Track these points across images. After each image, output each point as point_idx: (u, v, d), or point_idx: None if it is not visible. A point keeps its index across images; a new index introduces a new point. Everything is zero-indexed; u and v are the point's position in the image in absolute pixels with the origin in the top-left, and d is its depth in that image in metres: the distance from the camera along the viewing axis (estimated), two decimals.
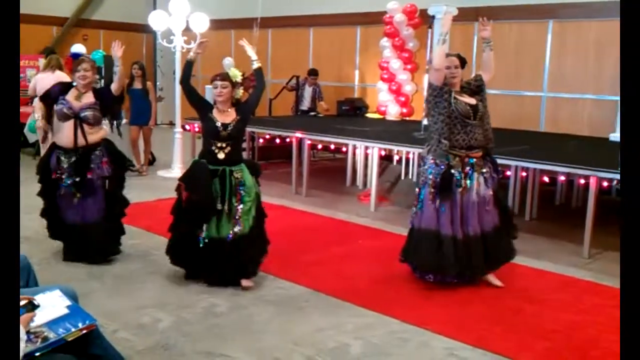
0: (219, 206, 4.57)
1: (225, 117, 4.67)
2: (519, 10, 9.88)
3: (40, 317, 2.57)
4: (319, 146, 10.58)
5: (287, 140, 8.71)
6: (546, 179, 7.25)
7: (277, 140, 9.18)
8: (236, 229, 4.60)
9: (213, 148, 4.62)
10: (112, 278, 4.90)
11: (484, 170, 4.77)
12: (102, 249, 5.23)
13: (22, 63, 11.39)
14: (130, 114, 9.43)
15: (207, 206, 4.56)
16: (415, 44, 10.67)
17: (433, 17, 8.93)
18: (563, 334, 4.09)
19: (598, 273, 5.40)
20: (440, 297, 4.66)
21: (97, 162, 5.15)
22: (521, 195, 7.30)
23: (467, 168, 4.70)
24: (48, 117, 5.34)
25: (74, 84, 5.23)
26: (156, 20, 9.25)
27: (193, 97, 4.76)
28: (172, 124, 12.35)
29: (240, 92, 4.80)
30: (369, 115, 11.05)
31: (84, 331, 2.65)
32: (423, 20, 10.18)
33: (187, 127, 9.45)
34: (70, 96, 5.16)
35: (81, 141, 5.10)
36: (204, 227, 4.60)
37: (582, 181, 6.30)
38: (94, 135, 5.17)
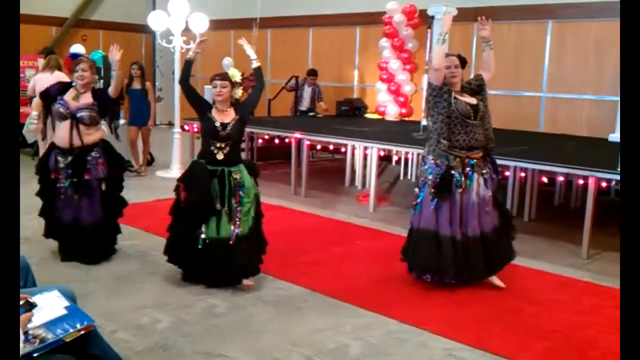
0: (219, 207, 4.57)
1: (224, 116, 4.67)
2: (519, 11, 9.89)
3: (39, 318, 2.56)
4: (318, 146, 10.57)
5: (286, 140, 8.70)
6: (545, 179, 7.25)
7: (276, 141, 9.18)
8: (237, 230, 4.59)
9: (212, 148, 4.61)
10: (110, 279, 4.90)
11: (484, 171, 4.77)
12: (97, 250, 5.23)
13: (21, 63, 11.36)
14: (129, 114, 9.43)
15: (206, 206, 4.56)
16: (414, 44, 10.67)
17: (432, 17, 8.94)
18: (562, 335, 4.09)
19: (597, 273, 5.40)
20: (439, 298, 4.66)
21: (93, 163, 5.14)
22: (520, 196, 7.31)
23: (467, 169, 4.69)
24: (46, 116, 5.33)
25: (74, 84, 5.23)
26: (155, 21, 9.24)
27: (192, 96, 4.76)
28: (171, 124, 12.36)
29: (239, 92, 4.80)
30: (368, 115, 11.05)
31: (82, 332, 2.64)
32: (422, 20, 10.19)
33: (186, 127, 9.44)
34: (68, 96, 5.15)
35: (76, 142, 5.09)
36: (204, 228, 4.59)
37: (581, 182, 6.30)
38: (91, 136, 5.16)
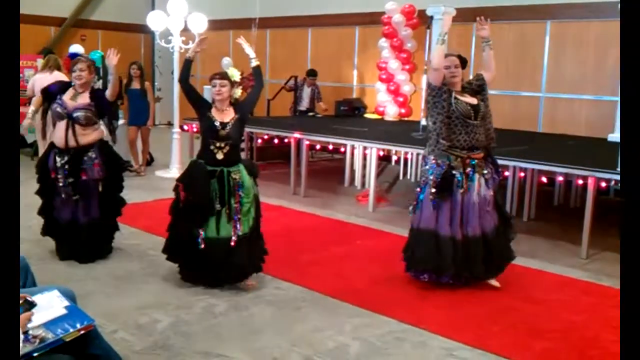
0: (218, 207, 4.56)
1: (223, 116, 4.67)
2: (517, 11, 9.90)
3: (39, 318, 2.56)
4: (317, 146, 10.58)
5: (286, 140, 8.70)
6: (544, 179, 7.26)
7: (276, 141, 9.18)
8: (238, 230, 4.59)
9: (212, 148, 4.60)
10: (110, 278, 4.90)
11: (485, 171, 4.76)
12: (92, 249, 5.24)
13: (20, 63, 11.36)
14: (128, 114, 9.43)
15: (204, 207, 4.55)
16: (413, 44, 10.68)
17: (431, 17, 8.97)
18: (561, 334, 4.10)
19: (596, 273, 5.40)
20: (439, 297, 4.66)
21: (90, 164, 5.13)
22: (519, 196, 7.31)
23: (469, 169, 4.69)
24: (45, 114, 5.33)
25: (73, 84, 5.23)
26: (154, 21, 9.24)
27: (192, 95, 4.75)
28: (170, 124, 12.35)
29: (238, 92, 4.79)
30: (367, 115, 11.06)
31: (82, 331, 2.64)
32: (421, 20, 10.21)
33: (186, 127, 9.44)
34: (67, 96, 5.16)
35: (72, 142, 5.09)
36: (203, 229, 4.59)
37: (580, 182, 6.30)
38: (87, 137, 5.14)
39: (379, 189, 8.17)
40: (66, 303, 2.72)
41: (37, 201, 5.31)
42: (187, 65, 4.75)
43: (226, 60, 11.43)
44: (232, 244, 4.56)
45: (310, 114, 11.07)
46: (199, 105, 4.75)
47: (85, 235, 5.18)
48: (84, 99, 5.15)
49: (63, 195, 5.13)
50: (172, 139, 9.63)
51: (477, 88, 4.82)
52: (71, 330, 2.59)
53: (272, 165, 10.08)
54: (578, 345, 3.95)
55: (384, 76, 10.89)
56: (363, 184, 8.58)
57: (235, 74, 4.75)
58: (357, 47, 12.35)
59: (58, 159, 5.12)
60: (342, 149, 9.15)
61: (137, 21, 14.99)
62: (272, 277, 4.96)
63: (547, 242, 6.40)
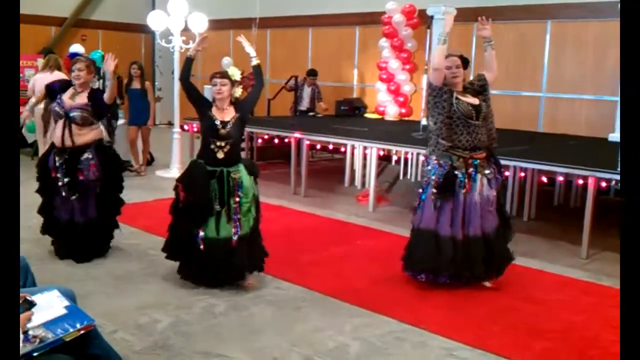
0: (217, 207, 4.56)
1: (224, 115, 4.66)
2: (517, 11, 9.89)
3: (38, 318, 2.56)
4: (318, 146, 10.58)
5: (286, 140, 8.70)
6: (544, 179, 7.26)
7: (276, 141, 9.18)
8: (238, 231, 4.59)
9: (212, 147, 4.59)
10: (110, 278, 4.90)
11: (487, 171, 4.74)
12: (89, 249, 5.24)
13: (20, 63, 11.36)
14: (128, 114, 9.43)
15: (204, 207, 4.55)
16: (413, 44, 10.68)
17: (432, 17, 8.96)
18: (561, 334, 4.10)
19: (596, 273, 5.40)
20: (439, 297, 4.66)
21: (86, 164, 5.12)
22: (519, 196, 7.31)
23: (471, 169, 4.67)
24: (47, 112, 5.35)
25: (73, 83, 5.24)
26: (155, 21, 9.24)
27: (192, 94, 4.74)
28: (170, 124, 12.36)
29: (239, 91, 4.79)
30: (367, 115, 11.06)
31: (82, 331, 2.64)
32: (422, 20, 10.20)
33: (186, 127, 9.44)
34: (66, 95, 5.18)
35: (68, 141, 5.09)
36: (203, 229, 4.59)
37: (581, 182, 6.30)
38: (83, 137, 5.14)
39: (379, 189, 8.17)
40: (66, 303, 2.72)
41: (37, 201, 5.32)
42: (188, 63, 4.75)
43: (226, 60, 11.44)
44: (233, 244, 4.56)
45: (311, 113, 11.07)
46: (199, 104, 4.75)
47: (82, 235, 5.19)
48: (82, 98, 5.15)
49: (59, 195, 5.14)
50: (173, 138, 9.63)
51: (479, 88, 4.81)
52: (71, 330, 2.59)
53: (272, 165, 10.08)
54: (578, 345, 3.95)
55: (384, 76, 10.89)
56: (363, 184, 8.58)
57: (235, 73, 4.75)
58: (358, 47, 12.35)
59: (57, 158, 5.13)
60: (343, 149, 9.15)
61: (137, 21, 14.99)
62: (272, 277, 4.96)
63: (547, 242, 6.39)
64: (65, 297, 2.77)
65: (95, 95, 5.23)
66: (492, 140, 4.81)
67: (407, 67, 10.76)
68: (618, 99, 8.18)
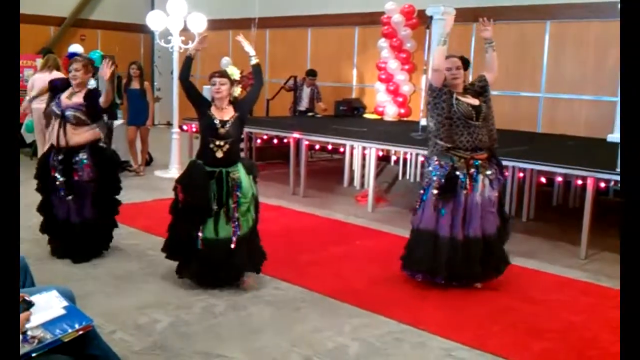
0: (215, 207, 4.55)
1: (223, 114, 4.66)
2: (517, 11, 9.89)
3: (37, 318, 2.55)
4: (317, 146, 10.58)
5: (285, 140, 8.70)
6: (543, 179, 7.26)
7: (275, 141, 9.17)
8: (237, 232, 4.59)
9: (211, 146, 4.58)
10: (109, 278, 4.89)
11: (489, 172, 4.73)
12: (86, 250, 5.23)
13: (20, 63, 11.36)
14: (127, 114, 9.42)
15: (203, 208, 4.55)
16: (412, 44, 10.68)
17: (431, 17, 8.96)
18: (560, 334, 4.10)
19: (595, 274, 5.41)
20: (438, 298, 4.66)
21: (80, 165, 5.10)
22: (518, 196, 7.31)
23: (472, 170, 4.67)
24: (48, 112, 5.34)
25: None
26: (154, 21, 9.24)
27: (191, 93, 4.73)
28: (169, 124, 12.35)
29: (238, 90, 4.79)
30: (366, 115, 11.05)
31: (81, 332, 2.63)
32: (421, 20, 10.21)
33: (185, 127, 9.43)
34: (65, 94, 5.19)
35: (62, 141, 5.09)
36: (201, 229, 4.59)
37: (580, 182, 6.30)
38: (77, 137, 5.12)
39: (378, 189, 8.17)
40: (65, 303, 2.72)
41: (37, 201, 5.32)
42: (187, 62, 4.74)
43: (225, 60, 11.43)
44: (232, 245, 4.56)
45: (310, 114, 11.06)
46: (198, 103, 4.74)
47: (78, 235, 5.18)
48: (79, 98, 5.15)
49: (57, 194, 5.14)
50: (172, 139, 9.63)
51: (480, 89, 4.80)
52: (70, 330, 2.58)
53: (271, 166, 10.08)
54: (577, 346, 3.95)
55: (383, 76, 10.89)
56: (362, 184, 8.58)
57: (234, 72, 4.75)
58: (357, 47, 12.35)
59: (55, 158, 5.14)
60: (342, 149, 9.15)
61: (136, 21, 14.97)
62: (271, 277, 4.95)
63: (546, 242, 6.40)
64: (64, 297, 2.77)
65: (91, 96, 5.21)
66: (493, 141, 4.81)
67: (406, 67, 10.77)
68: (617, 99, 8.19)
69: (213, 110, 4.67)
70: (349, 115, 10.83)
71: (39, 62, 10.04)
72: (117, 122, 9.58)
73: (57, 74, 8.39)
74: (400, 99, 10.82)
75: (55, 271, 4.96)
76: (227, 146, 4.60)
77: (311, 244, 6.02)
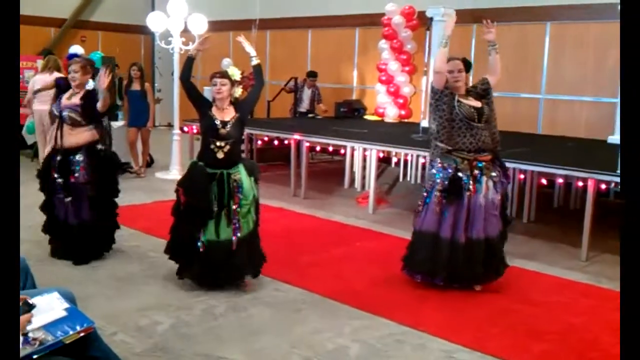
0: (215, 209, 4.55)
1: (224, 114, 4.66)
2: (517, 13, 9.89)
3: (38, 320, 2.56)
4: (317, 148, 10.58)
5: (286, 142, 8.70)
6: (544, 181, 7.26)
7: (276, 142, 9.17)
8: (238, 233, 4.59)
9: (212, 147, 4.58)
10: (110, 280, 4.89)
11: (493, 174, 4.72)
12: (84, 252, 5.22)
13: (20, 64, 11.36)
14: (128, 115, 9.42)
15: (205, 211, 4.55)
16: (413, 46, 10.68)
17: (431, 19, 8.96)
18: (560, 336, 4.09)
19: (596, 276, 5.40)
20: (438, 299, 4.66)
21: (76, 166, 5.10)
22: (519, 198, 7.31)
23: (476, 171, 4.65)
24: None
25: None
26: (154, 22, 9.24)
27: (192, 93, 4.73)
28: (170, 125, 12.35)
29: (239, 91, 4.79)
30: (367, 117, 11.06)
31: (82, 334, 2.64)
32: (421, 22, 10.21)
33: (186, 129, 9.44)
34: (66, 95, 5.21)
35: (59, 142, 5.09)
36: (203, 231, 4.59)
37: (580, 184, 6.30)
38: (74, 138, 5.12)
39: (379, 190, 8.17)
40: (66, 305, 2.72)
41: (37, 202, 5.33)
42: (189, 63, 4.74)
43: (226, 61, 11.44)
44: (233, 246, 4.56)
45: (310, 115, 11.07)
46: (199, 103, 4.74)
47: (76, 237, 5.18)
48: (77, 99, 5.16)
49: (57, 195, 5.16)
50: (172, 140, 9.63)
51: (482, 92, 4.80)
52: (71, 332, 2.59)
53: (272, 167, 10.08)
54: (577, 348, 3.95)
55: (383, 78, 10.89)
56: (363, 186, 8.58)
57: (235, 73, 4.75)
58: (357, 49, 12.35)
59: (54, 158, 5.15)
60: (342, 151, 9.16)
61: (137, 22, 14.97)
62: (271, 278, 4.95)
63: (546, 244, 6.39)
64: (65, 299, 2.77)
65: (88, 97, 5.20)
66: (496, 143, 4.80)
67: (407, 68, 10.77)
68: (617, 100, 8.19)
69: (214, 110, 4.67)
70: (350, 116, 10.83)
71: (40, 63, 10.05)
72: (118, 124, 9.59)
73: (57, 75, 8.40)
74: (401, 101, 10.82)
75: (56, 273, 4.96)
76: (227, 147, 4.60)
77: (312, 246, 6.02)
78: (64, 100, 5.17)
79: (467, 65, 4.77)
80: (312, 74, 11.22)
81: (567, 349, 3.92)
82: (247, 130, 8.41)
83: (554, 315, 4.46)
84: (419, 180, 8.74)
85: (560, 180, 6.94)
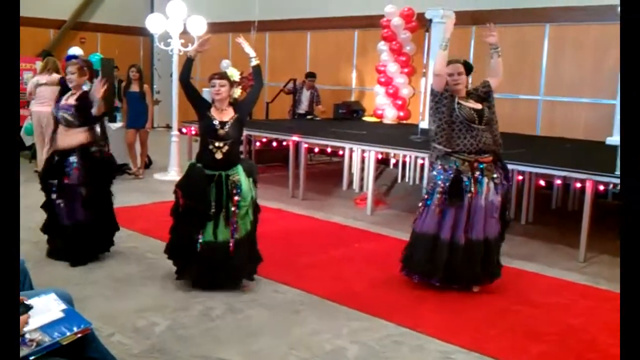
0: (213, 210, 4.55)
1: (222, 115, 4.65)
2: (516, 14, 9.90)
3: (35, 321, 2.55)
4: (316, 149, 10.57)
5: (284, 143, 8.70)
6: (542, 182, 7.26)
7: (274, 144, 9.16)
8: (235, 235, 4.59)
9: (211, 147, 4.58)
10: (108, 281, 4.88)
11: (495, 175, 4.71)
12: (81, 253, 5.20)
13: (20, 66, 11.37)
14: (127, 116, 9.41)
15: (203, 212, 4.54)
16: (412, 47, 10.68)
17: (430, 20, 8.97)
18: (559, 337, 4.10)
19: (594, 277, 5.41)
20: (436, 301, 4.66)
21: (70, 167, 5.09)
22: (517, 199, 7.31)
23: (477, 173, 4.64)
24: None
25: None
26: (153, 23, 9.25)
27: (191, 94, 4.72)
28: (168, 127, 12.35)
29: (238, 92, 4.79)
30: (366, 118, 11.07)
31: (79, 335, 2.63)
32: (420, 24, 10.22)
33: (184, 130, 9.43)
34: (66, 96, 5.22)
35: (54, 142, 5.10)
36: (201, 232, 4.59)
37: (579, 185, 6.30)
38: (68, 139, 5.12)
39: (377, 192, 8.17)
40: (63, 306, 2.72)
41: (36, 202, 5.32)
42: (188, 63, 4.73)
43: (225, 63, 11.44)
44: (231, 248, 4.56)
45: (309, 116, 11.07)
46: (198, 104, 4.74)
47: (70, 238, 5.17)
48: (73, 100, 5.16)
49: (54, 196, 5.15)
50: (171, 141, 9.63)
51: (484, 95, 4.79)
52: (68, 333, 2.58)
53: (270, 168, 10.08)
54: (575, 349, 3.95)
55: (382, 79, 10.90)
56: (361, 187, 8.58)
57: (234, 74, 4.76)
58: (356, 50, 12.36)
59: (52, 159, 5.16)
60: (341, 152, 9.15)
61: (136, 24, 14.97)
62: (270, 280, 4.95)
63: (545, 245, 6.40)
64: (63, 300, 2.77)
65: (83, 98, 5.18)
66: (498, 145, 4.79)
67: (406, 70, 10.77)
68: (616, 102, 8.20)
69: (213, 111, 4.67)
70: (348, 118, 10.84)
71: (39, 64, 10.04)
72: (116, 125, 9.59)
73: (56, 77, 8.41)
74: (400, 102, 10.83)
75: (54, 274, 4.95)
76: (226, 147, 4.59)
77: (310, 247, 6.02)
78: (62, 101, 5.18)
79: (468, 68, 4.77)
80: (311, 75, 11.23)
81: (565, 350, 3.92)
82: (245, 132, 8.41)
83: (552, 316, 4.46)
84: (417, 182, 8.75)
85: (559, 182, 6.95)
